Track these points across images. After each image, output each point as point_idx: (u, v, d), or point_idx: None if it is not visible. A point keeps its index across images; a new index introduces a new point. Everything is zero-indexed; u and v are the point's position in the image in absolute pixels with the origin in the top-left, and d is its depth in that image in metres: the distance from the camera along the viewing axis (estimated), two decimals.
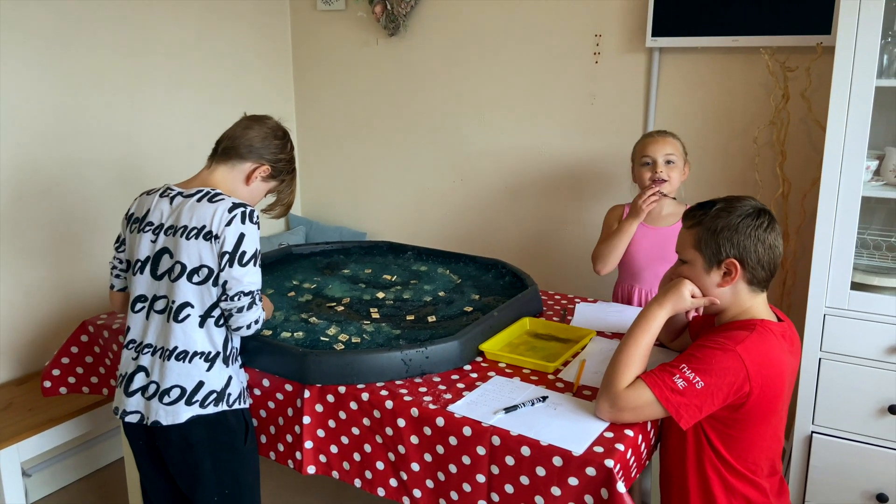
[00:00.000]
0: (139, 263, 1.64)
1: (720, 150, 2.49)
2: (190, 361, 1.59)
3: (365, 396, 1.61)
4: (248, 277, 1.58)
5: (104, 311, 2.57)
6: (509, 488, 1.45)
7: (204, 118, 3.01)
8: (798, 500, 2.11)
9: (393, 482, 1.61)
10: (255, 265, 1.59)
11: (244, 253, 1.57)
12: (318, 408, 1.67)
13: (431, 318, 2.00)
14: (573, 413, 1.52)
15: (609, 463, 1.34)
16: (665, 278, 1.72)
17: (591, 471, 1.35)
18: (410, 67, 3.09)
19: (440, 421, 1.51)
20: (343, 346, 1.78)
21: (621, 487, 1.33)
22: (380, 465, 1.62)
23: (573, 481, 1.37)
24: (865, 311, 1.94)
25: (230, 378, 1.64)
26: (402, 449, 1.57)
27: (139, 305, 1.65)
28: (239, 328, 1.61)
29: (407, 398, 1.58)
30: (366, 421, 1.61)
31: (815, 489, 2.07)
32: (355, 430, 1.64)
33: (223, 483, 1.65)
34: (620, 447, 1.40)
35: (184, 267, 1.58)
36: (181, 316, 1.59)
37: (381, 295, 2.16)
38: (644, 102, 2.62)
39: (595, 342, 1.91)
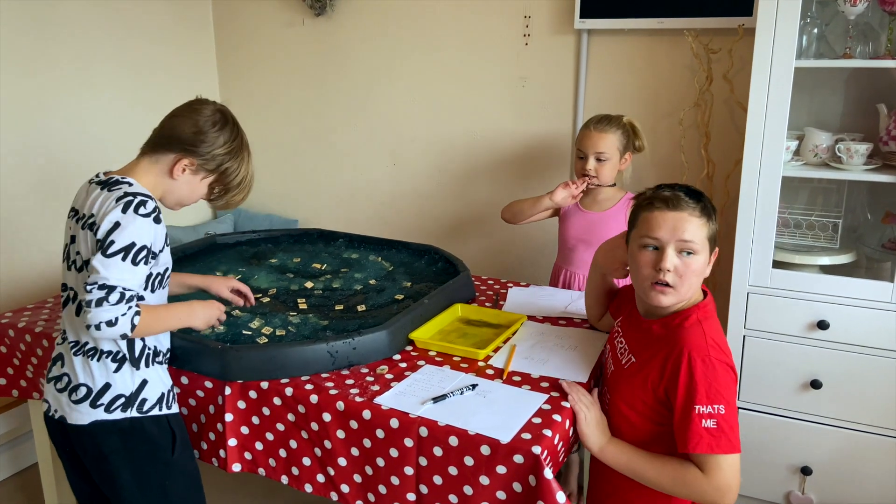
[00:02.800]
0: (64, 250, 1.55)
1: (648, 132, 2.49)
2: (98, 360, 1.47)
3: (289, 391, 1.55)
4: (109, 271, 1.36)
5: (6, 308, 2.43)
6: (438, 479, 1.42)
7: (117, 107, 2.86)
8: None
9: (320, 478, 1.56)
10: (124, 260, 1.38)
11: (112, 242, 1.38)
12: (241, 404, 1.60)
13: (361, 308, 1.95)
14: (502, 400, 1.51)
15: (536, 450, 1.33)
16: (596, 260, 1.72)
17: (518, 458, 1.34)
18: (338, 48, 3.01)
19: (367, 414, 1.47)
20: (266, 340, 1.72)
21: (548, 474, 1.32)
22: (306, 461, 1.57)
23: (501, 469, 1.36)
24: (787, 289, 1.98)
25: (144, 382, 1.51)
26: (328, 444, 1.52)
27: (63, 294, 1.56)
28: (88, 327, 1.35)
29: (333, 392, 1.54)
30: (290, 416, 1.56)
31: (742, 463, 2.11)
32: (280, 426, 1.58)
33: (148, 497, 1.52)
34: (548, 433, 1.39)
35: (79, 256, 1.48)
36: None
37: (309, 285, 2.10)
38: (574, 85, 2.61)
39: (526, 327, 1.89)
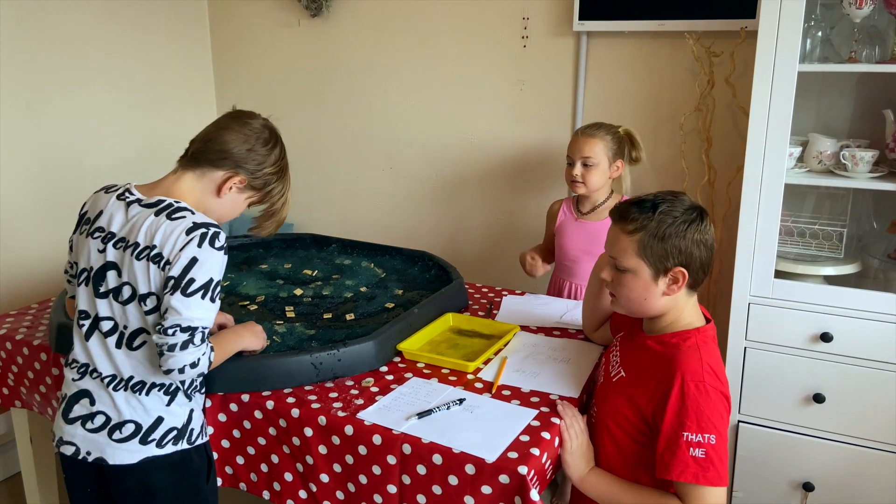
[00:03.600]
0: (85, 273, 1.39)
1: (648, 137, 2.44)
2: (147, 394, 1.36)
3: (270, 404, 1.50)
4: (192, 311, 1.29)
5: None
6: (422, 499, 1.37)
7: (112, 107, 2.82)
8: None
9: (302, 494, 1.51)
10: (204, 298, 1.30)
11: (192, 281, 1.29)
12: (221, 417, 1.56)
13: (350, 316, 1.90)
14: (490, 416, 1.45)
15: (523, 470, 1.28)
16: (595, 270, 1.67)
17: (504, 478, 1.29)
18: (334, 50, 2.96)
19: (349, 429, 1.42)
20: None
21: (535, 496, 1.26)
22: (288, 477, 1.52)
23: (486, 490, 1.30)
24: (789, 300, 1.92)
25: (191, 412, 1.42)
26: (310, 459, 1.47)
27: (82, 322, 1.39)
28: (169, 371, 1.29)
29: (315, 405, 1.49)
30: (272, 430, 1.51)
31: (742, 478, 2.06)
32: (261, 440, 1.54)
33: None
34: (536, 452, 1.33)
35: (134, 291, 1.33)
36: (136, 343, 1.36)
37: (298, 292, 2.05)
38: (573, 88, 2.56)
39: (519, 337, 1.84)
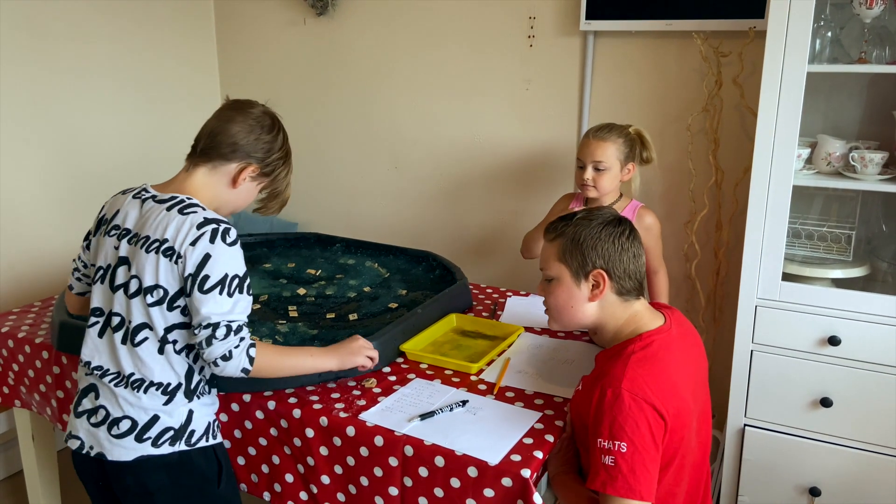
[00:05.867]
0: (101, 271, 1.40)
1: (655, 138, 2.41)
2: (145, 392, 1.35)
3: (271, 405, 1.50)
4: (209, 307, 1.30)
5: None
6: (423, 501, 1.36)
7: (117, 104, 2.82)
8: (731, 494, 2.08)
9: (303, 495, 1.50)
10: (221, 293, 1.31)
11: (206, 278, 1.30)
12: (223, 417, 1.55)
13: (353, 316, 1.89)
14: (493, 418, 1.44)
15: (525, 473, 1.26)
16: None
17: (507, 481, 1.27)
18: (340, 49, 2.95)
19: (350, 430, 1.41)
20: None
21: (537, 499, 1.25)
22: (289, 478, 1.51)
23: (489, 493, 1.29)
24: (798, 303, 1.90)
25: (191, 413, 1.40)
26: (311, 461, 1.46)
27: (94, 319, 1.41)
28: (214, 362, 1.33)
29: (316, 406, 1.48)
30: (273, 431, 1.50)
31: (747, 483, 2.04)
32: (263, 441, 1.53)
33: None
34: (539, 455, 1.32)
35: (140, 283, 1.34)
36: (138, 339, 1.35)
37: (302, 291, 2.05)
38: (579, 88, 2.54)
39: (523, 338, 1.83)
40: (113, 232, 1.41)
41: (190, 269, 1.31)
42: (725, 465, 2.07)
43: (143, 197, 1.42)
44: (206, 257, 1.31)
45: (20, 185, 2.52)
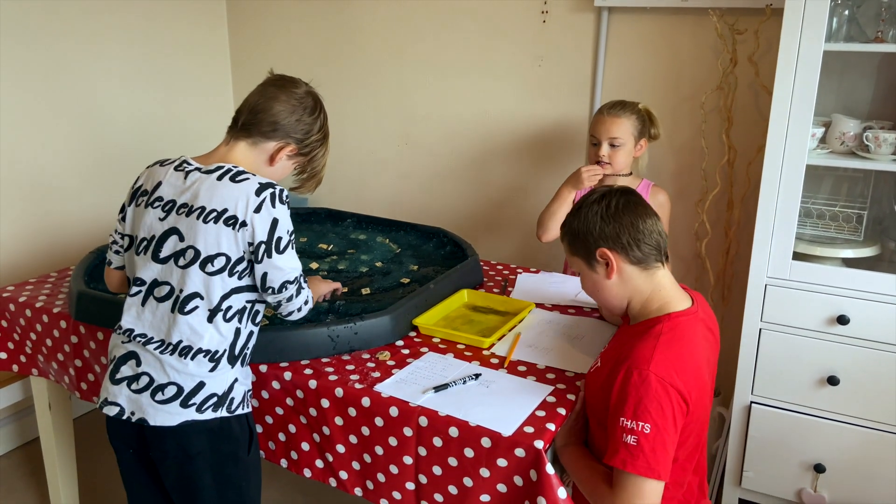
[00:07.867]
0: (144, 242, 1.42)
1: (668, 116, 2.42)
2: (192, 359, 1.37)
3: (287, 376, 1.52)
4: (290, 263, 1.40)
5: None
6: (437, 470, 1.38)
7: (128, 84, 2.82)
8: (736, 470, 2.10)
9: (319, 463, 1.54)
10: (293, 248, 1.42)
11: (280, 239, 1.38)
12: None
13: (365, 291, 1.91)
14: (506, 391, 1.46)
15: (538, 444, 1.29)
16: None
17: (520, 452, 1.30)
18: (352, 25, 2.94)
19: (366, 401, 1.43)
20: (266, 322, 1.68)
21: (550, 469, 1.27)
22: (305, 446, 1.54)
23: (502, 462, 1.32)
24: (807, 282, 1.91)
25: (235, 381, 1.42)
26: (326, 430, 1.49)
27: (135, 289, 1.42)
28: (290, 314, 1.47)
29: (332, 377, 1.50)
30: (289, 401, 1.53)
31: (753, 459, 2.06)
32: (279, 410, 1.56)
33: (225, 499, 1.45)
34: (552, 427, 1.34)
35: (197, 253, 1.36)
36: (188, 307, 1.37)
37: (314, 265, 2.06)
38: (592, 65, 2.53)
39: (533, 314, 1.84)
40: (157, 204, 1.41)
41: (261, 235, 1.36)
42: (731, 442, 2.10)
43: (187, 169, 1.43)
44: (275, 222, 1.38)
45: (45, 157, 2.53)
